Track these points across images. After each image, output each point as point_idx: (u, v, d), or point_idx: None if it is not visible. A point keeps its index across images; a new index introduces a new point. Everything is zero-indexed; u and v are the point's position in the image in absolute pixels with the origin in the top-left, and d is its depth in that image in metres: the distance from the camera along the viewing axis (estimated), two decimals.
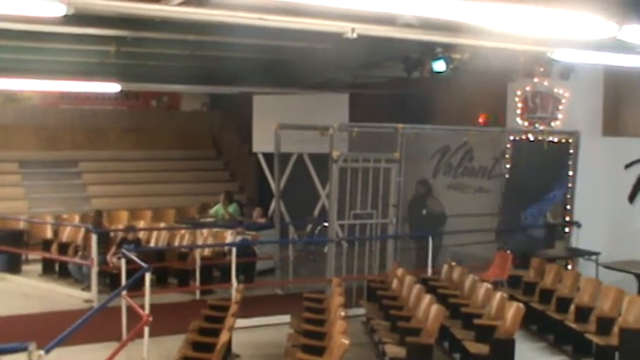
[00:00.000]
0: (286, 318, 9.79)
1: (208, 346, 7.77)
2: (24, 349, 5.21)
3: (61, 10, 7.68)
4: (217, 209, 15.67)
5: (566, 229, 13.37)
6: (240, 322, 9.20)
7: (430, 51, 12.16)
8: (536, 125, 13.74)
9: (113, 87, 16.88)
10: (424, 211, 14.01)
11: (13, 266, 14.77)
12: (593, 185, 13.19)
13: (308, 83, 16.37)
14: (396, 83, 15.92)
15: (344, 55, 12.71)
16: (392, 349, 8.63)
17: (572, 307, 10.15)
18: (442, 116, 16.01)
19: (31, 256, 15.53)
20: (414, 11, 7.60)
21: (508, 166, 14.36)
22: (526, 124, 13.88)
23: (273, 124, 13.89)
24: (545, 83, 13.53)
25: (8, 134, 20.17)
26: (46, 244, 15.32)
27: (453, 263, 12.05)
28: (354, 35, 8.64)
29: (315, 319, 9.11)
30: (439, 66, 12.24)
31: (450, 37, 9.75)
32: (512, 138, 14.25)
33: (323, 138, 12.57)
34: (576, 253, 12.92)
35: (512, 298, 9.95)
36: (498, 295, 9.69)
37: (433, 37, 9.87)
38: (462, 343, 9.00)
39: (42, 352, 5.23)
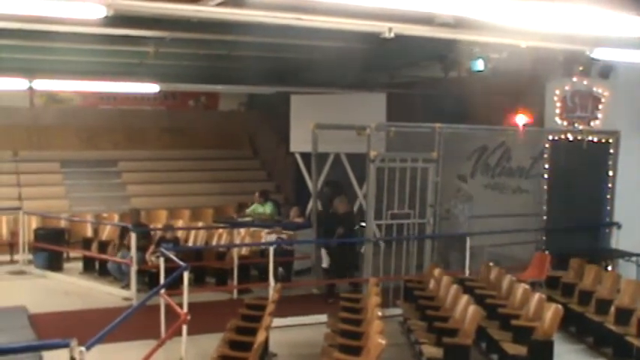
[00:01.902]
0: (323, 317, 9.81)
1: (245, 345, 7.81)
2: (66, 345, 5.29)
3: (101, 12, 7.78)
4: (254, 208, 15.73)
5: (607, 230, 13.21)
6: (277, 322, 9.23)
7: (467, 50, 12.10)
8: (576, 125, 13.60)
9: (152, 87, 17.04)
10: (330, 210, 13.58)
11: (55, 264, 14.99)
12: (633, 185, 13.01)
13: (345, 83, 16.36)
14: (433, 83, 15.85)
15: (381, 54, 12.69)
16: (429, 350, 8.61)
17: (612, 309, 10.02)
18: (479, 116, 15.91)
19: (72, 254, 15.75)
20: (452, 11, 7.57)
21: (547, 166, 14.21)
22: (565, 123, 13.74)
23: (311, 123, 13.91)
24: (585, 82, 13.38)
25: (50, 134, 20.50)
26: (87, 243, 15.53)
27: (491, 264, 11.97)
28: (392, 35, 8.63)
29: (352, 319, 9.11)
30: (477, 65, 12.17)
31: (488, 36, 9.69)
32: (550, 138, 14.10)
33: (360, 138, 12.57)
34: (616, 254, 12.76)
35: (550, 299, 9.85)
36: (536, 296, 9.61)
37: (471, 37, 9.83)
38: (499, 344, 8.94)
39: (83, 348, 5.30)
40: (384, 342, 7.02)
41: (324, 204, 13.91)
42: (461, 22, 8.72)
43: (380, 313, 8.24)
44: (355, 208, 17.22)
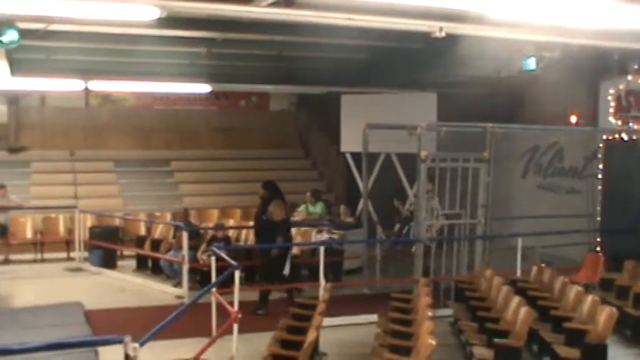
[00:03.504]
0: (373, 317, 9.80)
1: (296, 344, 7.84)
2: (120, 342, 5.36)
3: (154, 14, 7.90)
4: (305, 208, 15.78)
5: None
6: (328, 321, 9.25)
7: (520, 49, 11.97)
8: (630, 124, 13.35)
9: (204, 88, 17.21)
10: (264, 217, 12.23)
11: (109, 261, 15.24)
12: None
13: (396, 83, 16.32)
14: (484, 82, 15.73)
15: (432, 54, 12.64)
16: (479, 351, 8.55)
17: None
18: (531, 115, 15.74)
19: (126, 252, 16.00)
20: (504, 9, 7.51)
21: (600, 166, 13.99)
22: (619, 123, 13.50)
23: (361, 123, 13.90)
24: None
25: (104, 134, 20.87)
26: (140, 241, 15.75)
27: (543, 265, 11.83)
28: (442, 34, 8.59)
29: (403, 319, 9.08)
30: (529, 64, 12.03)
31: (541, 35, 9.58)
32: (604, 138, 13.88)
33: (411, 137, 12.52)
34: None
35: (604, 301, 9.69)
36: (589, 298, 9.46)
37: (523, 35, 9.73)
38: (551, 346, 8.83)
39: (136, 344, 5.36)
40: (434, 342, 6.98)
41: (260, 209, 12.50)
42: (513, 20, 8.64)
43: (430, 314, 8.19)
44: (406, 208, 17.17)
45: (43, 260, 15.91)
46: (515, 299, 9.36)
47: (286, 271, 11.98)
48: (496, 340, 8.40)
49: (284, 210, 12.14)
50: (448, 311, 11.04)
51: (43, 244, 16.26)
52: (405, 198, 16.35)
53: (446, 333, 10.31)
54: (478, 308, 9.92)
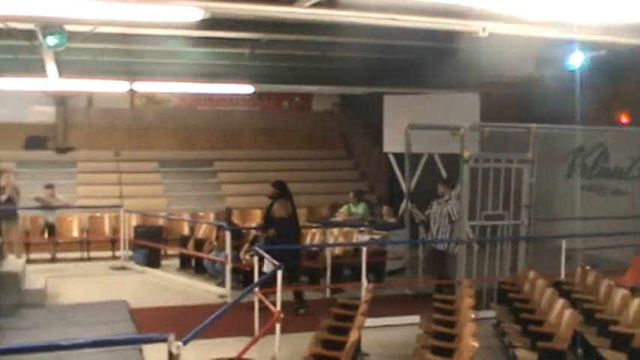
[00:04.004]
0: (415, 318, 9.76)
1: (338, 344, 7.85)
2: (164, 340, 5.42)
3: (198, 15, 7.98)
4: (347, 208, 15.79)
5: None
6: (370, 322, 9.23)
7: (563, 48, 11.84)
8: None
9: (247, 89, 17.31)
10: (269, 214, 12.47)
11: (153, 260, 15.41)
12: None
13: (438, 83, 16.24)
14: (527, 82, 15.57)
15: (475, 54, 12.55)
16: (523, 354, 8.47)
17: None
18: (576, 116, 15.53)
19: (170, 251, 16.17)
20: (547, 9, 7.45)
21: None
22: None
23: (404, 124, 13.86)
24: None
25: (149, 135, 21.11)
26: (183, 241, 15.90)
27: (587, 267, 11.67)
28: (485, 34, 8.54)
29: (445, 321, 9.05)
30: (574, 63, 11.89)
31: (586, 34, 9.46)
32: None
33: (454, 138, 12.46)
34: None
35: None
36: (636, 301, 9.31)
37: (567, 35, 9.61)
38: (597, 350, 8.71)
39: (180, 343, 5.42)
40: (477, 344, 6.94)
41: (267, 208, 12.70)
42: (557, 19, 8.56)
43: (473, 315, 8.14)
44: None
45: (89, 259, 16.17)
46: (560, 302, 9.25)
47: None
48: (540, 342, 8.33)
49: (287, 209, 12.20)
50: (491, 313, 10.95)
51: (89, 242, 16.52)
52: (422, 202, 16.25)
53: (488, 335, 10.23)
54: (521, 310, 9.83)
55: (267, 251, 10.59)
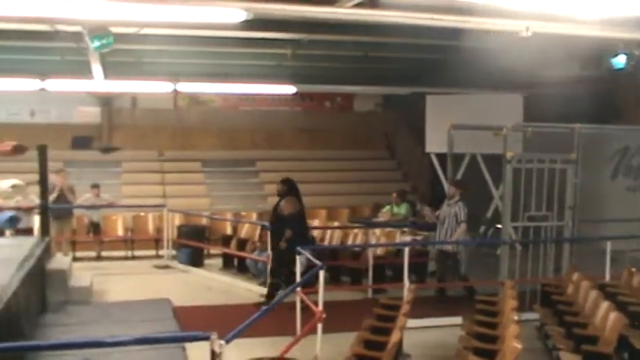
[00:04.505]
0: (457, 320, 9.71)
1: (380, 344, 7.84)
2: (206, 338, 5.46)
3: (240, 16, 8.04)
4: (390, 208, 15.76)
5: None
6: (412, 322, 9.21)
7: (608, 47, 11.67)
8: None
9: (289, 89, 17.38)
10: (276, 212, 12.40)
11: (196, 260, 15.53)
12: None
13: (481, 83, 16.15)
14: (571, 82, 15.40)
15: (518, 53, 12.44)
16: (567, 357, 8.37)
17: None
18: (621, 115, 15.33)
19: (212, 250, 16.29)
20: (592, 7, 7.36)
21: None
22: None
23: (447, 124, 13.79)
24: None
25: (192, 135, 21.31)
26: (226, 240, 16.00)
27: (633, 269, 11.50)
28: (529, 33, 8.47)
29: (487, 322, 8.99)
30: (619, 62, 11.71)
31: (633, 33, 9.33)
32: None
33: (497, 138, 12.37)
34: None
35: None
36: None
37: (613, 34, 9.49)
38: None
39: (222, 341, 5.46)
40: (520, 346, 6.88)
41: (274, 206, 12.67)
42: (601, 18, 8.46)
43: (516, 317, 8.08)
44: (491, 210, 16.97)
45: (133, 257, 16.36)
46: (605, 304, 9.12)
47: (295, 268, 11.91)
48: (584, 345, 8.23)
49: (294, 206, 12.17)
50: (534, 315, 10.84)
51: (133, 241, 16.72)
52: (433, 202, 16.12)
53: (532, 337, 10.13)
54: (565, 313, 9.72)
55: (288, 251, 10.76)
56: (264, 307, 10.71)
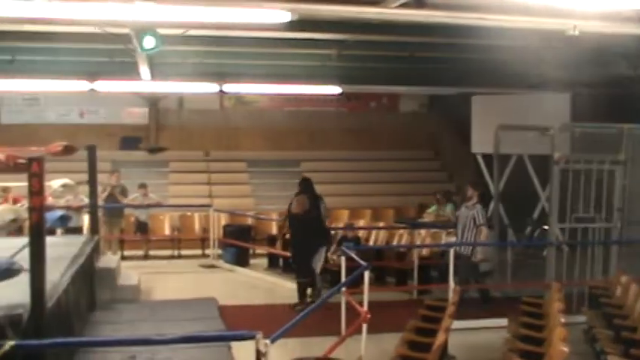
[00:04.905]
0: (503, 321, 9.64)
1: (425, 345, 7.82)
2: (252, 337, 5.52)
3: (285, 17, 8.08)
4: (435, 209, 15.69)
5: None
6: (457, 324, 9.17)
7: None
8: None
9: (334, 89, 17.38)
10: (291, 210, 12.69)
11: (242, 259, 15.61)
12: None
13: (528, 83, 15.98)
14: (620, 81, 15.16)
15: (565, 53, 12.30)
16: None
17: None
18: None
19: (258, 250, 16.38)
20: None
21: None
22: None
23: (493, 124, 13.69)
24: None
25: (238, 135, 21.45)
26: (271, 240, 16.07)
27: None
28: (576, 32, 8.36)
29: (534, 324, 8.90)
30: None
31: None
32: None
33: (544, 139, 12.24)
34: None
35: None
36: None
37: None
38: None
39: (268, 341, 5.51)
40: (567, 350, 6.81)
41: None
42: None
43: (563, 320, 7.99)
44: (537, 211, 16.79)
45: (179, 256, 16.54)
46: None
47: (315, 266, 12.20)
48: (633, 350, 8.11)
49: (302, 205, 12.32)
50: (581, 318, 10.70)
51: (179, 240, 16.89)
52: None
53: (579, 340, 10.00)
54: (614, 316, 9.58)
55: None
56: (297, 309, 11.20)
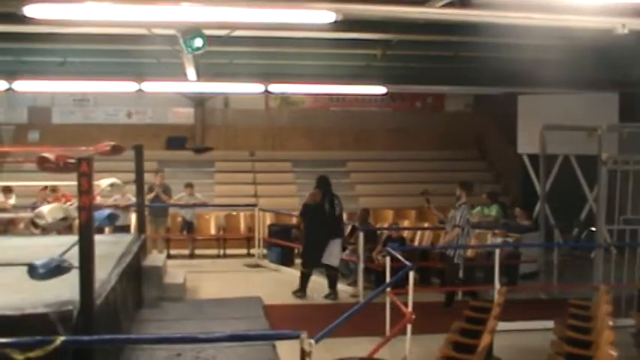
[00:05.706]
0: (549, 324, 9.54)
1: (469, 347, 7.78)
2: (296, 337, 5.54)
3: (330, 18, 8.10)
4: (480, 210, 15.58)
5: None
6: (502, 325, 9.10)
7: None
8: None
9: (379, 89, 17.37)
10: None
11: (287, 259, 15.67)
12: None
13: (575, 82, 15.79)
14: None
15: (613, 52, 12.13)
16: None
17: None
18: None
19: None
20: None
21: None
22: None
23: (539, 124, 13.56)
24: None
25: (283, 135, 21.57)
26: None
27: None
28: (625, 31, 8.24)
29: (581, 327, 8.80)
30: None
31: None
32: None
33: (591, 139, 12.09)
34: None
35: None
36: None
37: None
38: None
39: (312, 340, 5.53)
40: (614, 353, 6.71)
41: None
42: None
43: (611, 323, 7.88)
44: (584, 212, 16.57)
45: (225, 256, 16.66)
46: None
47: (329, 260, 12.61)
48: None
49: (313, 197, 12.97)
50: (630, 321, 10.52)
51: (225, 240, 17.03)
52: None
53: (627, 344, 9.82)
54: None
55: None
56: (298, 295, 12.41)
